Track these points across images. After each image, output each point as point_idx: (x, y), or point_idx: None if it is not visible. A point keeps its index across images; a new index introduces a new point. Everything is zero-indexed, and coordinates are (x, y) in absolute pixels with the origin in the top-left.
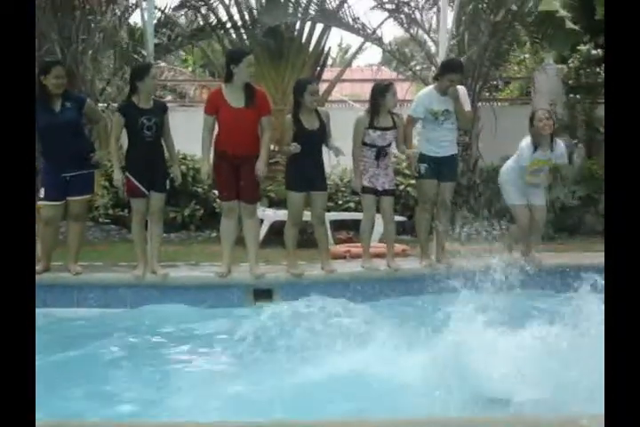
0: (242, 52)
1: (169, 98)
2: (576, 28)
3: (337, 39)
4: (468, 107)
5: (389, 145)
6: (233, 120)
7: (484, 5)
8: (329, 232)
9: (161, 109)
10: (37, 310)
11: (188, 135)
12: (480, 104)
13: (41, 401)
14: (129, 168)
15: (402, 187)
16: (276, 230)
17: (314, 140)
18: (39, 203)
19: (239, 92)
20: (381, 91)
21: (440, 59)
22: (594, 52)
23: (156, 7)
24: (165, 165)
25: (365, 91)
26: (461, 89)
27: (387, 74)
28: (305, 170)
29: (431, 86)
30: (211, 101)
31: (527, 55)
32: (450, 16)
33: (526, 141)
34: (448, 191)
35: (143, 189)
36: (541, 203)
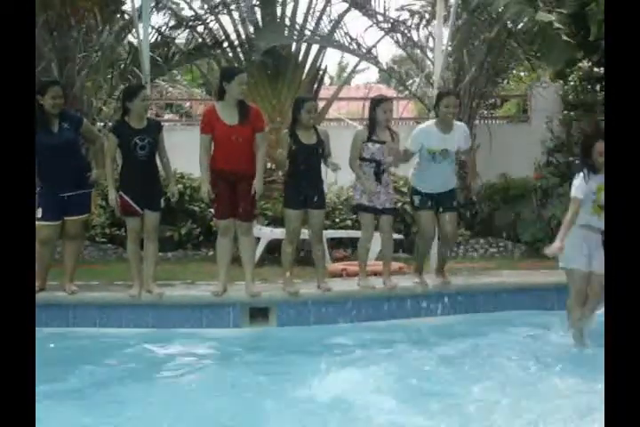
0: (235, 70)
1: (168, 116)
2: (571, 40)
3: (336, 57)
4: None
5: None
6: (227, 137)
7: (479, 22)
8: (326, 250)
9: (155, 128)
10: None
11: (187, 154)
12: (477, 122)
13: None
14: (123, 187)
15: (399, 204)
16: (273, 249)
17: (311, 155)
18: (37, 223)
19: (233, 109)
20: (374, 105)
21: (436, 77)
22: (596, 69)
23: (152, 26)
24: (160, 184)
25: (363, 109)
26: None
27: (384, 92)
28: (302, 187)
29: (432, 121)
30: (205, 120)
31: (523, 73)
32: (445, 34)
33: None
34: (449, 223)
35: (137, 208)
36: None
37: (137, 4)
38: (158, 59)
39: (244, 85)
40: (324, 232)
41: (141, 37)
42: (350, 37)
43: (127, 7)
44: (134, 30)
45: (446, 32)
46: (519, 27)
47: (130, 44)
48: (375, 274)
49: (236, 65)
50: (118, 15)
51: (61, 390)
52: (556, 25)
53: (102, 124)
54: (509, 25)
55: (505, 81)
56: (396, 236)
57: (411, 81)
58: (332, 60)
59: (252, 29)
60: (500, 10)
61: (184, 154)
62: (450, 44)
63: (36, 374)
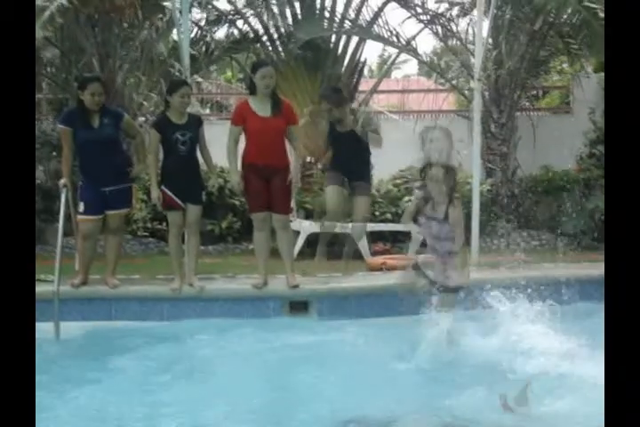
0: (259, 64)
1: (207, 111)
2: None
3: (377, 50)
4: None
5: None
6: (261, 129)
7: (521, 14)
8: (365, 244)
9: (196, 124)
10: (75, 323)
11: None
12: (518, 113)
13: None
14: (165, 181)
15: None
16: (313, 242)
17: (348, 141)
18: (78, 217)
19: (265, 102)
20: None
21: (477, 69)
22: None
23: (192, 21)
24: (201, 178)
25: (403, 102)
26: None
27: (424, 84)
28: (344, 168)
29: None
30: (238, 112)
31: (565, 64)
32: (485, 26)
33: None
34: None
35: (179, 202)
36: None
37: (177, 0)
38: (197, 54)
39: (268, 78)
40: (364, 226)
41: (181, 32)
42: (390, 29)
43: (167, 3)
44: (174, 25)
45: (486, 23)
46: (562, 18)
47: (170, 39)
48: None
49: (274, 59)
50: (159, 11)
51: (125, 377)
52: (601, 15)
53: (143, 119)
54: (552, 16)
55: (546, 72)
56: None
57: (450, 73)
58: (372, 52)
59: (290, 22)
60: (542, 1)
61: (223, 148)
62: (490, 35)
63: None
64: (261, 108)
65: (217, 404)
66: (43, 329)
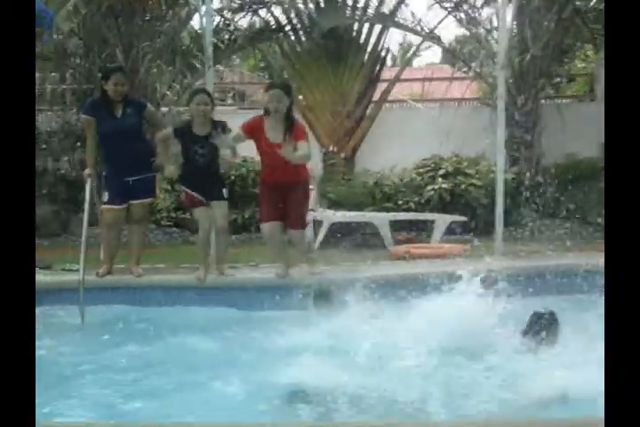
0: (269, 85)
1: (229, 101)
2: None
3: (398, 38)
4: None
5: None
6: (272, 153)
7: (548, 2)
8: (388, 233)
9: (220, 133)
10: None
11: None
12: (543, 102)
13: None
14: (184, 182)
15: (462, 186)
16: (335, 231)
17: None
18: (102, 207)
19: (278, 124)
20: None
21: (501, 56)
22: None
23: (215, 10)
24: (221, 178)
25: (425, 90)
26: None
27: (447, 72)
28: None
29: None
30: (250, 123)
31: (590, 51)
32: (509, 13)
33: None
34: None
35: (202, 198)
36: None
37: None
38: (220, 44)
39: (276, 103)
40: (387, 215)
41: (204, 22)
42: (413, 17)
43: None
44: (197, 15)
45: (511, 11)
46: (589, 6)
47: (192, 29)
48: (439, 256)
49: (297, 49)
50: (181, 1)
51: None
52: None
53: (166, 109)
54: (577, 3)
55: (571, 60)
56: (460, 218)
57: (475, 61)
58: (393, 40)
59: (313, 11)
60: None
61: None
62: (514, 22)
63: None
64: (273, 131)
65: None
66: (68, 316)
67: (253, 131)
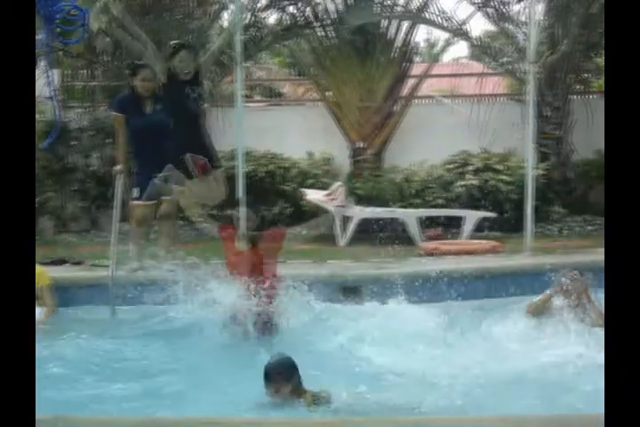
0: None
1: (258, 97)
2: None
3: (423, 34)
4: None
5: None
6: (237, 263)
7: None
8: (417, 229)
9: None
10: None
11: (277, 135)
12: (573, 97)
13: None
14: None
15: (492, 182)
16: (364, 228)
17: None
18: (132, 203)
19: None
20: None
21: (530, 52)
22: None
23: (244, 7)
24: None
25: (453, 85)
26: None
27: (476, 68)
28: None
29: None
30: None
31: None
32: (539, 8)
33: None
34: None
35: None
36: None
37: None
38: (249, 41)
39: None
40: (416, 211)
41: (234, 19)
42: (442, 13)
43: None
44: (226, 12)
45: (540, 6)
46: None
47: (221, 26)
48: (468, 253)
49: (325, 45)
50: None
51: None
52: None
53: None
54: None
55: (601, 55)
56: (489, 214)
57: (503, 57)
58: (419, 36)
59: (342, 7)
60: None
61: (274, 135)
62: (544, 18)
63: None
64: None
65: None
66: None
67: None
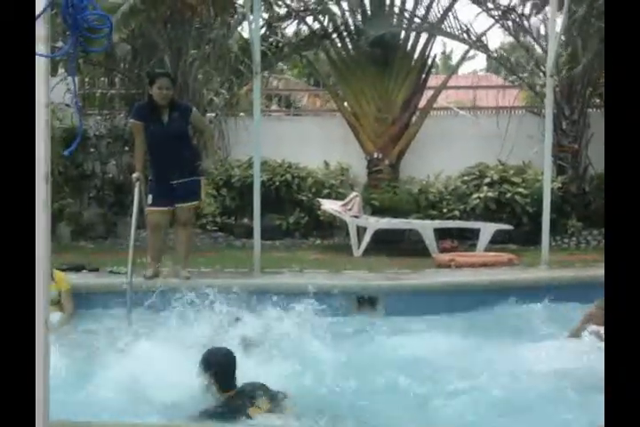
0: None
1: (274, 107)
2: None
3: (440, 46)
4: None
5: None
6: None
7: (595, 11)
8: (433, 241)
9: None
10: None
11: (294, 144)
12: (590, 110)
13: None
14: None
15: (508, 195)
16: (379, 238)
17: None
18: (148, 209)
19: None
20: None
21: (549, 65)
22: None
23: (262, 18)
24: None
25: (472, 98)
26: None
27: (493, 80)
28: None
29: None
30: None
31: None
32: (559, 21)
33: None
34: None
35: None
36: None
37: None
38: (267, 51)
39: None
40: (432, 222)
41: (252, 30)
42: (460, 25)
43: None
44: (245, 22)
45: (560, 19)
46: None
47: (240, 35)
48: (484, 265)
49: (343, 56)
50: (230, 8)
51: None
52: None
53: (213, 114)
54: None
55: None
56: (505, 226)
57: (523, 71)
58: (436, 48)
59: (360, 19)
60: None
61: (290, 144)
62: (563, 31)
63: None
64: None
65: None
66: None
67: None
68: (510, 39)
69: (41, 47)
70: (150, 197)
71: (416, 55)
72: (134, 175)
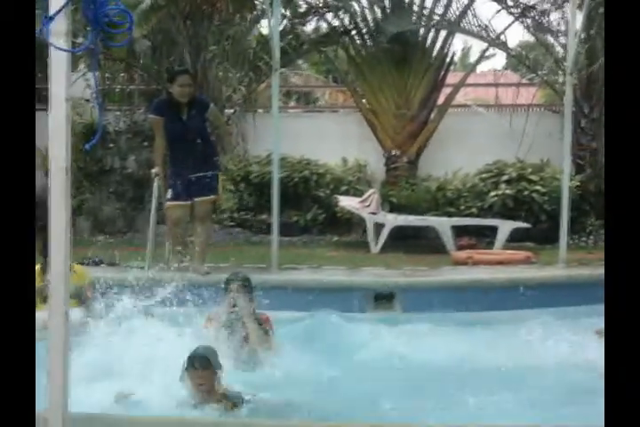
0: None
1: (292, 104)
2: None
3: (459, 43)
4: None
5: None
6: None
7: None
8: (450, 238)
9: None
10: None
11: (312, 140)
12: None
13: None
14: None
15: (526, 193)
16: (397, 235)
17: None
18: (167, 203)
19: None
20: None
21: (569, 63)
22: None
23: (282, 14)
24: None
25: (491, 95)
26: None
27: (512, 78)
28: None
29: None
30: None
31: None
32: (579, 19)
33: None
34: None
35: None
36: None
37: None
38: (287, 47)
39: None
40: (449, 220)
41: (272, 26)
42: (479, 23)
43: None
44: (264, 19)
45: (580, 16)
46: None
47: (259, 32)
48: (501, 263)
49: (362, 53)
50: (250, 5)
51: None
52: None
53: (232, 110)
54: None
55: None
56: (523, 224)
57: (543, 68)
58: (455, 45)
59: (379, 16)
60: None
61: (308, 140)
62: (583, 29)
63: None
64: None
65: None
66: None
67: None
68: (529, 37)
69: (61, 42)
70: (170, 191)
71: (435, 52)
72: (153, 170)
